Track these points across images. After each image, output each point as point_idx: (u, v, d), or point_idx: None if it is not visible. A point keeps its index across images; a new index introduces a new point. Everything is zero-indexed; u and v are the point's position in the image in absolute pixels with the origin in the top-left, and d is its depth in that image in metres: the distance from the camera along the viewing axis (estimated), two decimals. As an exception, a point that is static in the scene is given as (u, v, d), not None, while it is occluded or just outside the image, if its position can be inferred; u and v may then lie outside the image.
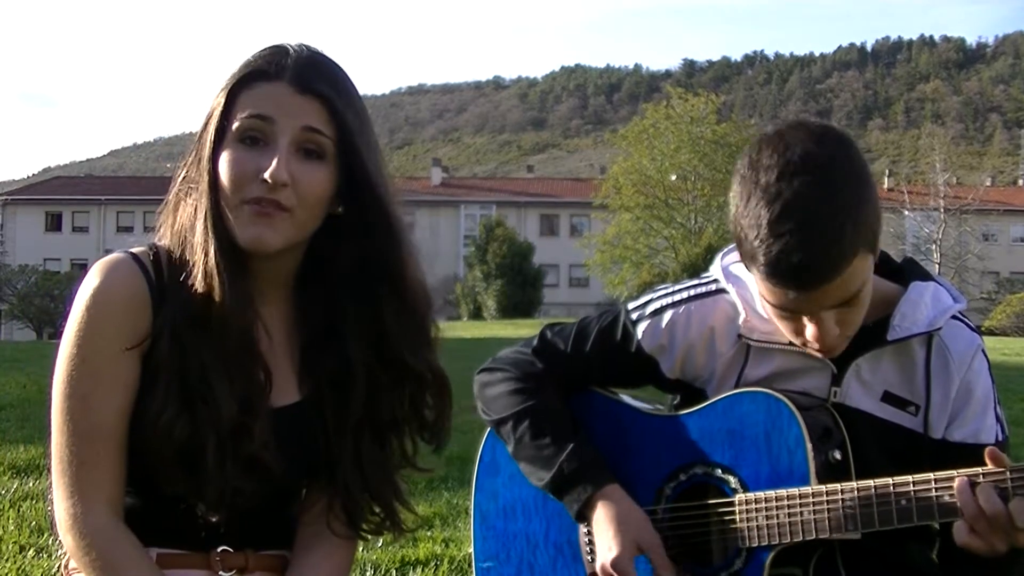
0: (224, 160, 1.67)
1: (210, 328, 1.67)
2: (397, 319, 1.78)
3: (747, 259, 1.87)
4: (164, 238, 1.76)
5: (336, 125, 1.69)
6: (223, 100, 1.69)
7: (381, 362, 1.79)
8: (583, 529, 2.14)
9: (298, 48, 1.72)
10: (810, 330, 1.89)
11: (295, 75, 1.68)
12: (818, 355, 1.97)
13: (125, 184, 62.20)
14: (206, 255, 1.66)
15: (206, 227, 1.67)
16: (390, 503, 1.86)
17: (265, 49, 1.73)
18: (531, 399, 2.15)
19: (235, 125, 1.67)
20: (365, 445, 1.80)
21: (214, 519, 1.71)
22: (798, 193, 1.78)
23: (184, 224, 1.72)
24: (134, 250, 1.74)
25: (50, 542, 3.88)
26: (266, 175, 1.63)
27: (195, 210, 1.70)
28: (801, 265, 1.77)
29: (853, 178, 1.82)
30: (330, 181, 1.71)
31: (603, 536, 2.01)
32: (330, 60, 1.75)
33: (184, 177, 1.74)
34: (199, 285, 1.66)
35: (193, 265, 1.68)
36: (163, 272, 1.71)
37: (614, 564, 1.98)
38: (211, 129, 1.69)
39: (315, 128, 1.68)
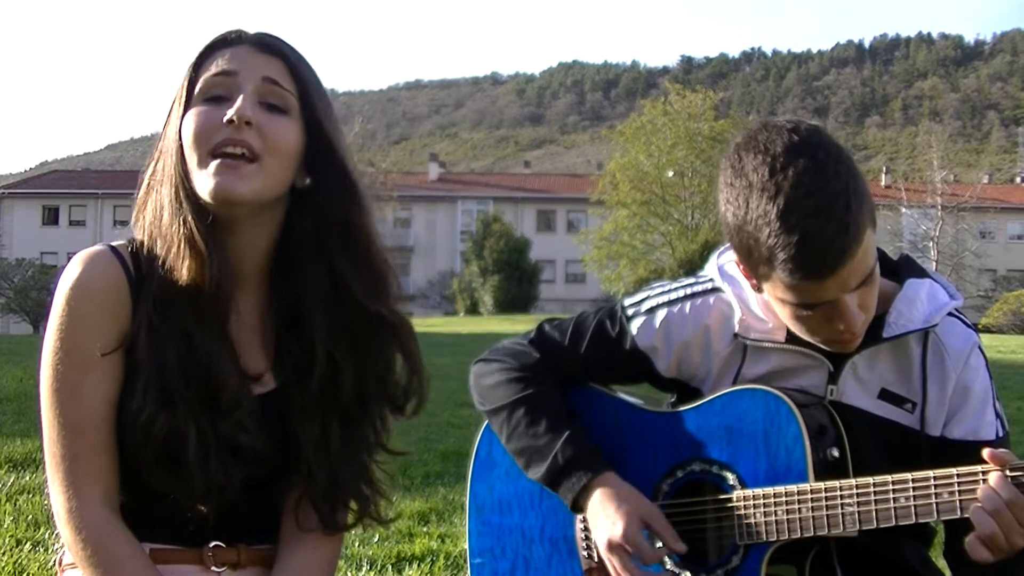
0: (188, 118, 1.69)
1: (184, 307, 1.67)
2: (355, 272, 1.78)
3: (762, 264, 1.83)
4: (139, 234, 1.76)
5: (297, 82, 1.74)
6: (190, 72, 1.73)
7: (338, 328, 1.78)
8: (579, 525, 2.14)
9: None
10: (840, 323, 1.87)
11: (255, 38, 1.75)
12: (836, 350, 1.95)
13: (122, 178, 61.96)
14: (180, 223, 1.66)
15: (176, 196, 1.68)
16: (360, 492, 1.84)
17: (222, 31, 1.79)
18: (527, 388, 2.15)
19: (198, 89, 1.71)
20: (332, 432, 1.79)
21: (203, 509, 1.70)
22: (797, 182, 1.77)
23: (154, 216, 1.72)
24: (113, 243, 1.75)
25: (46, 536, 3.89)
26: (230, 114, 1.65)
27: (167, 187, 1.70)
28: (823, 248, 1.76)
29: (837, 157, 1.81)
30: (297, 136, 1.73)
31: (604, 516, 1.99)
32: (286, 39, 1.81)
33: (152, 171, 1.75)
34: (173, 253, 1.66)
35: (166, 249, 1.68)
36: (141, 264, 1.71)
37: (624, 537, 1.95)
38: (178, 101, 1.72)
39: (276, 80, 1.71)
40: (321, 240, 1.77)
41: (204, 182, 1.66)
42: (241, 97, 1.68)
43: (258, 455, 1.71)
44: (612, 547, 1.99)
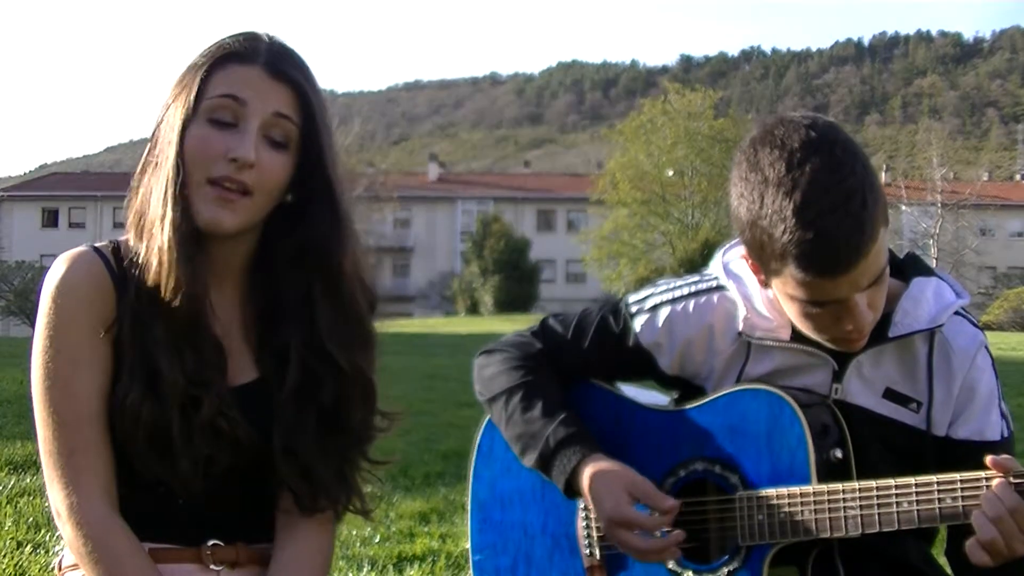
0: (191, 137, 1.70)
1: (163, 302, 1.69)
2: (328, 313, 1.80)
3: (775, 259, 1.81)
4: (128, 224, 1.79)
5: (303, 113, 1.75)
6: (199, 79, 1.72)
7: (312, 348, 1.80)
8: (581, 522, 2.14)
9: (269, 36, 1.78)
10: (848, 321, 1.86)
11: (268, 60, 1.74)
12: (841, 349, 1.94)
13: (121, 180, 60.11)
14: (163, 228, 1.68)
15: (166, 200, 1.69)
16: (335, 489, 1.84)
17: (238, 34, 1.77)
18: (526, 376, 2.15)
19: (205, 104, 1.71)
20: (308, 427, 1.79)
21: (191, 490, 1.71)
22: (814, 178, 1.76)
23: (143, 204, 1.75)
24: (96, 244, 1.78)
25: (47, 538, 3.89)
26: (235, 154, 1.67)
27: (156, 185, 1.72)
28: (839, 245, 1.75)
29: (853, 154, 1.80)
30: (289, 168, 1.75)
31: (596, 498, 1.98)
32: (298, 52, 1.80)
33: (145, 160, 1.77)
34: (154, 258, 1.68)
35: (150, 240, 1.70)
36: (123, 261, 1.74)
37: (616, 515, 1.94)
38: (183, 106, 1.71)
39: (284, 114, 1.73)
40: (299, 263, 1.80)
41: (198, 207, 1.69)
42: (247, 136, 1.69)
43: (240, 441, 1.73)
44: (609, 529, 1.97)
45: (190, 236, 1.69)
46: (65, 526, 1.68)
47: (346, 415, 1.84)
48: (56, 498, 1.69)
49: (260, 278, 1.83)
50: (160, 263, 1.68)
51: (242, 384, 1.79)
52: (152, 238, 1.70)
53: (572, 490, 2.04)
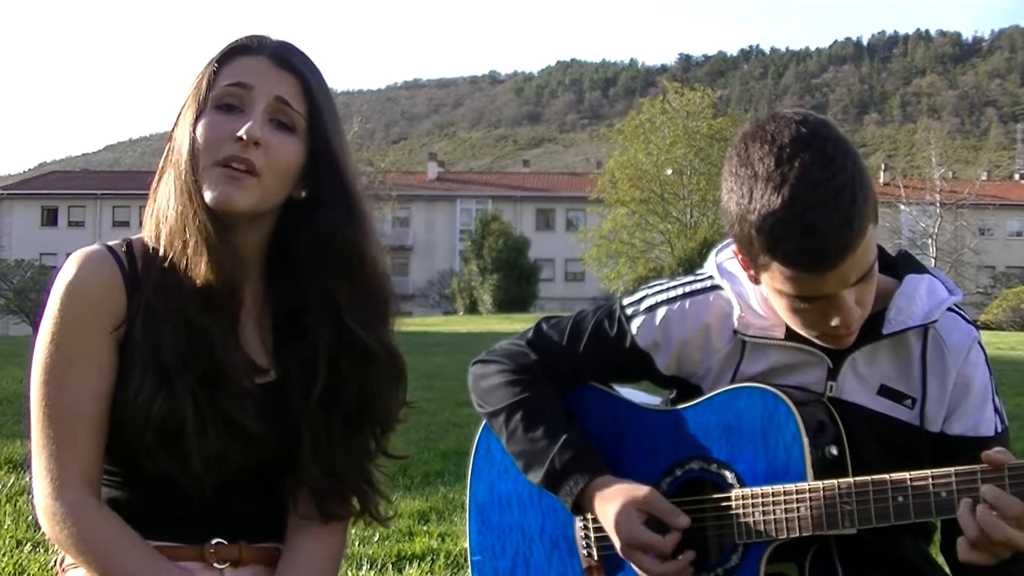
0: (201, 125, 1.74)
1: (195, 296, 1.71)
2: (353, 298, 1.82)
3: (763, 253, 1.81)
4: (146, 227, 1.80)
5: (308, 102, 1.79)
6: (208, 74, 1.77)
7: (340, 343, 1.82)
8: (579, 523, 2.14)
9: (275, 38, 1.84)
10: (836, 318, 1.86)
11: (274, 51, 1.80)
12: (830, 346, 1.95)
13: (121, 178, 61.92)
14: (192, 220, 1.71)
15: (187, 192, 1.72)
16: (360, 488, 1.87)
17: (244, 36, 1.83)
18: (525, 391, 2.14)
19: (213, 94, 1.75)
20: (335, 428, 1.82)
21: (202, 487, 1.71)
22: (804, 173, 1.76)
23: (164, 205, 1.76)
24: (109, 243, 1.79)
25: (47, 537, 3.89)
26: (241, 132, 1.71)
27: (175, 183, 1.75)
28: (827, 240, 1.75)
29: (844, 150, 1.80)
30: (299, 155, 1.78)
31: (608, 519, 2.00)
32: (303, 51, 1.85)
33: (163, 162, 1.80)
34: (191, 251, 1.71)
35: (180, 242, 1.72)
36: (136, 261, 1.76)
37: (629, 540, 1.96)
38: (193, 99, 1.77)
39: (287, 101, 1.77)
40: (319, 254, 1.81)
41: (208, 188, 1.72)
42: (253, 116, 1.73)
43: (254, 437, 1.74)
44: (625, 553, 1.99)
45: (218, 223, 1.72)
46: (43, 516, 1.70)
47: (375, 402, 1.86)
48: (37, 488, 1.70)
49: (280, 278, 1.85)
50: (195, 250, 1.70)
51: (258, 384, 1.79)
52: (184, 231, 1.72)
53: (579, 509, 2.07)
